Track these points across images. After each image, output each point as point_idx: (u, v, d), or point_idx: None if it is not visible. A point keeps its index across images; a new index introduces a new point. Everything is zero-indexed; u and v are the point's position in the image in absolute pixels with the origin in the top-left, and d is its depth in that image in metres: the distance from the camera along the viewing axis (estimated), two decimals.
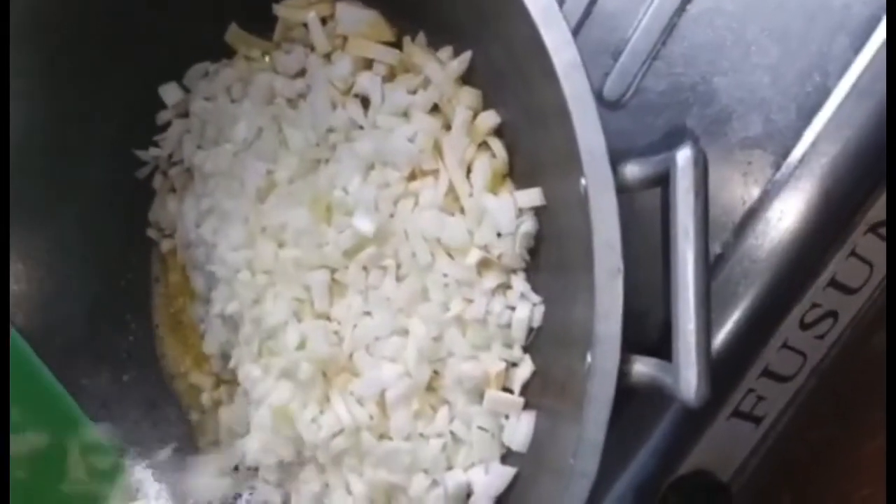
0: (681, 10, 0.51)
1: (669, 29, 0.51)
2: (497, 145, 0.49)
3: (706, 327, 0.34)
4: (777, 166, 0.50)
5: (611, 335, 0.36)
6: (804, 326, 0.53)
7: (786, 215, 0.50)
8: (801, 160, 0.49)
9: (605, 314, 0.36)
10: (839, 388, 0.57)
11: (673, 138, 0.36)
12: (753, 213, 0.50)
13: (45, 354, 0.57)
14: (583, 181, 0.38)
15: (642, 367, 0.37)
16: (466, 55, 0.49)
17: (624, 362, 0.36)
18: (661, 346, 0.49)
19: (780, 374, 0.54)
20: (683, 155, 0.34)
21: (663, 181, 0.35)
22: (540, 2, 0.39)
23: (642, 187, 0.36)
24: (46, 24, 0.51)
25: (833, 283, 0.52)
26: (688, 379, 0.34)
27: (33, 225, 0.55)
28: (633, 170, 0.36)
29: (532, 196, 0.47)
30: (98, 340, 0.59)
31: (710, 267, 0.35)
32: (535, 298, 0.48)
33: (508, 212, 0.47)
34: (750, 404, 0.54)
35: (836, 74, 0.49)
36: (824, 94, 0.49)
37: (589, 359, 0.37)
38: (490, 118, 0.49)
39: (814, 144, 0.49)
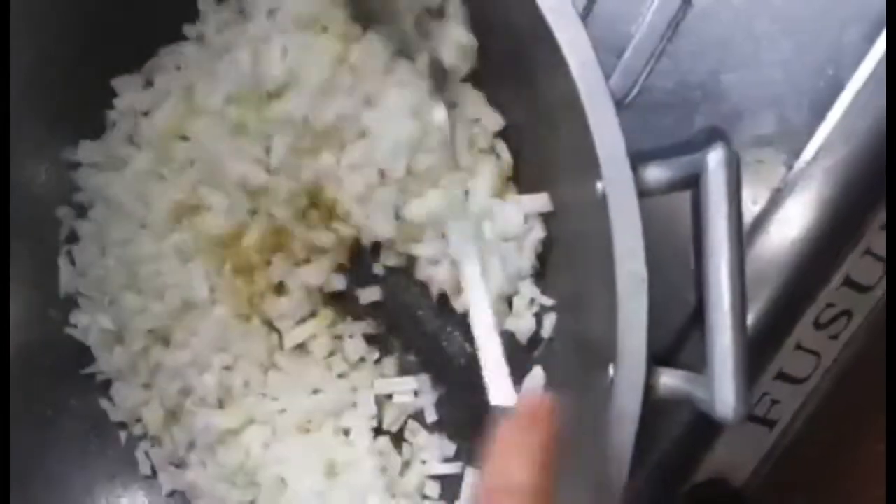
0: (686, 4, 0.49)
1: (675, 25, 0.49)
2: (502, 148, 0.47)
3: (743, 341, 0.32)
4: (789, 165, 0.48)
5: (636, 348, 0.34)
6: (818, 327, 0.51)
7: (798, 215, 0.48)
8: (815, 157, 0.47)
9: (628, 326, 0.34)
10: (852, 389, 0.56)
11: (698, 138, 0.34)
12: (766, 214, 0.48)
13: (31, 375, 0.55)
14: (599, 185, 0.36)
15: (669, 379, 0.35)
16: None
17: (650, 375, 0.34)
18: (675, 354, 0.48)
19: (794, 377, 0.53)
20: (715, 156, 0.32)
21: (690, 184, 0.34)
22: None
23: (665, 191, 0.34)
24: None
25: (847, 282, 0.51)
26: (724, 396, 0.32)
27: None
28: (654, 172, 0.34)
29: (540, 201, 0.45)
30: (86, 359, 0.57)
31: (745, 277, 0.33)
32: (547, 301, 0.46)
33: (516, 217, 0.46)
34: (764, 408, 0.52)
35: (850, 67, 0.47)
36: (838, 88, 0.47)
37: (611, 372, 0.35)
38: (494, 120, 0.47)
39: (827, 140, 0.47)
